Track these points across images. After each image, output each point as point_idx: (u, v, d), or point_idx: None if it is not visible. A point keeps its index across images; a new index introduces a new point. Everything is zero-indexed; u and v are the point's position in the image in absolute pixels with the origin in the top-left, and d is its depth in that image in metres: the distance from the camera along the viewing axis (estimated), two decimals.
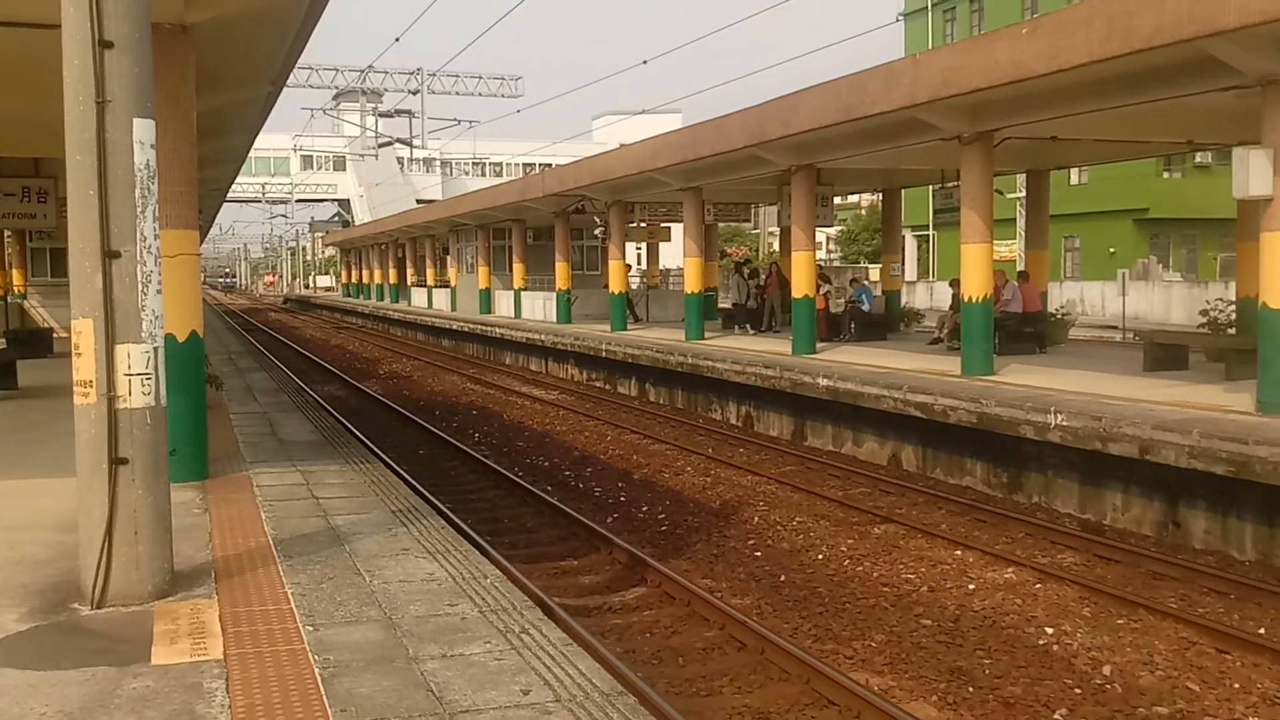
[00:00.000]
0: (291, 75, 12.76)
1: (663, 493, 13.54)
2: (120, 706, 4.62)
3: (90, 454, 5.90)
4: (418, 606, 6.05)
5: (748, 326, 25.13)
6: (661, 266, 41.35)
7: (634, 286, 32.73)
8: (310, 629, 5.62)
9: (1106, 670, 7.57)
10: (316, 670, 5.03)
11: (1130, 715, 6.86)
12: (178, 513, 6.70)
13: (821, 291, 21.75)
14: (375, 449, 13.49)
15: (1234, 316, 17.11)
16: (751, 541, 11.18)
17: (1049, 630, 8.37)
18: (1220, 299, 19.70)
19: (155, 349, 5.98)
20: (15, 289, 29.67)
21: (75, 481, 6.03)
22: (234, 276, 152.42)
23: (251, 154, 22.76)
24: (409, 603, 6.12)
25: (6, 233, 26.40)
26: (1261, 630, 8.33)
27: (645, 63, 35.25)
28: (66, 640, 5.46)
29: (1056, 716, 6.88)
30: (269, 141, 68.26)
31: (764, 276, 26.38)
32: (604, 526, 11.51)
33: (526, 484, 13.52)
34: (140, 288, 5.88)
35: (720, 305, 29.68)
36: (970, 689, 7.31)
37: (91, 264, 5.79)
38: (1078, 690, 7.27)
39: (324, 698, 4.71)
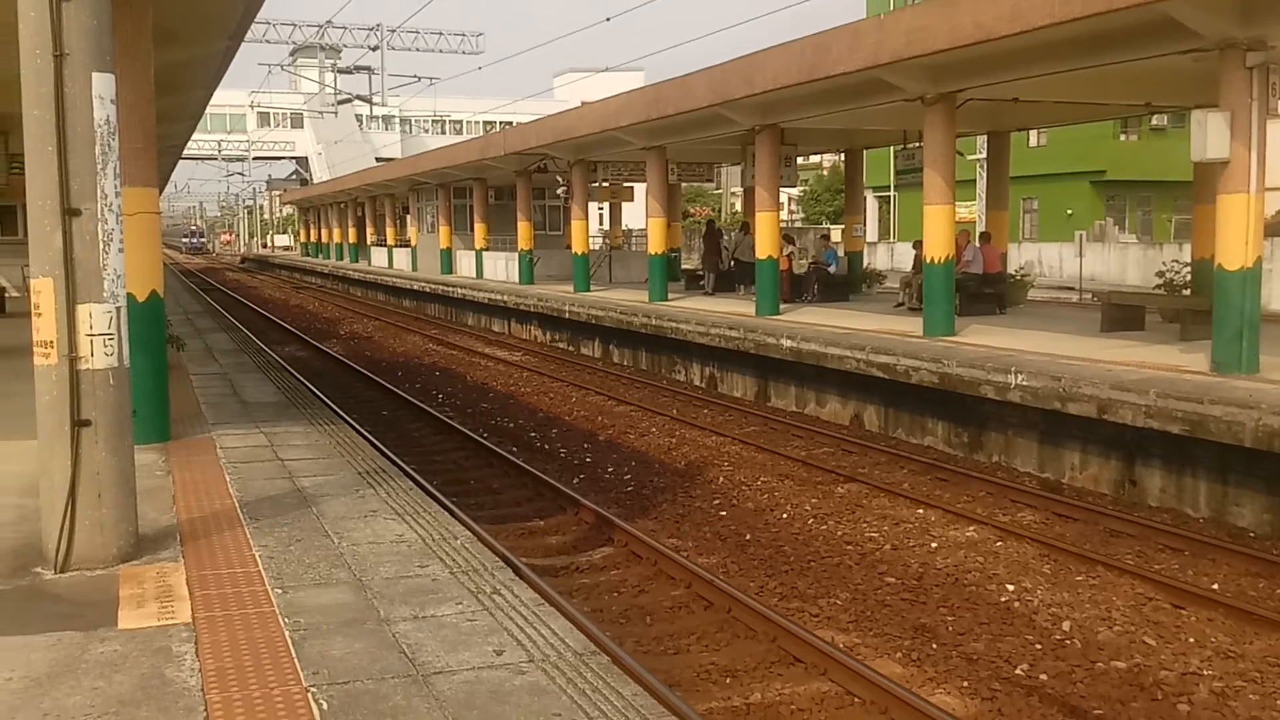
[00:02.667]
0: (249, 30, 12.52)
1: (628, 453, 13.57)
2: (88, 671, 4.59)
3: (52, 416, 5.82)
4: (388, 568, 6.05)
5: (711, 286, 25.14)
6: (625, 227, 41.19)
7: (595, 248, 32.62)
8: (279, 591, 5.61)
9: (1066, 626, 7.72)
10: (287, 633, 5.02)
11: (1089, 669, 7.00)
12: (141, 475, 6.64)
13: (785, 253, 21.79)
14: (339, 410, 13.40)
15: (1189, 278, 17.33)
16: (717, 501, 11.25)
17: (1010, 587, 8.51)
18: (1175, 260, 19.94)
19: (118, 309, 5.89)
20: None
21: (34, 444, 5.95)
22: (201, 236, 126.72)
23: (208, 111, 22.37)
24: (379, 564, 6.11)
25: None
26: (1215, 585, 8.52)
27: (608, 20, 34.93)
28: (30, 605, 5.40)
29: (1018, 671, 7.01)
30: (225, 98, 66.98)
31: (730, 236, 26.35)
32: (570, 487, 11.53)
33: (492, 445, 13.50)
34: (102, 246, 5.78)
35: (684, 267, 29.63)
36: (934, 645, 7.43)
37: (51, 222, 5.68)
38: (1038, 646, 7.41)
39: (295, 660, 4.70)
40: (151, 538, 6.47)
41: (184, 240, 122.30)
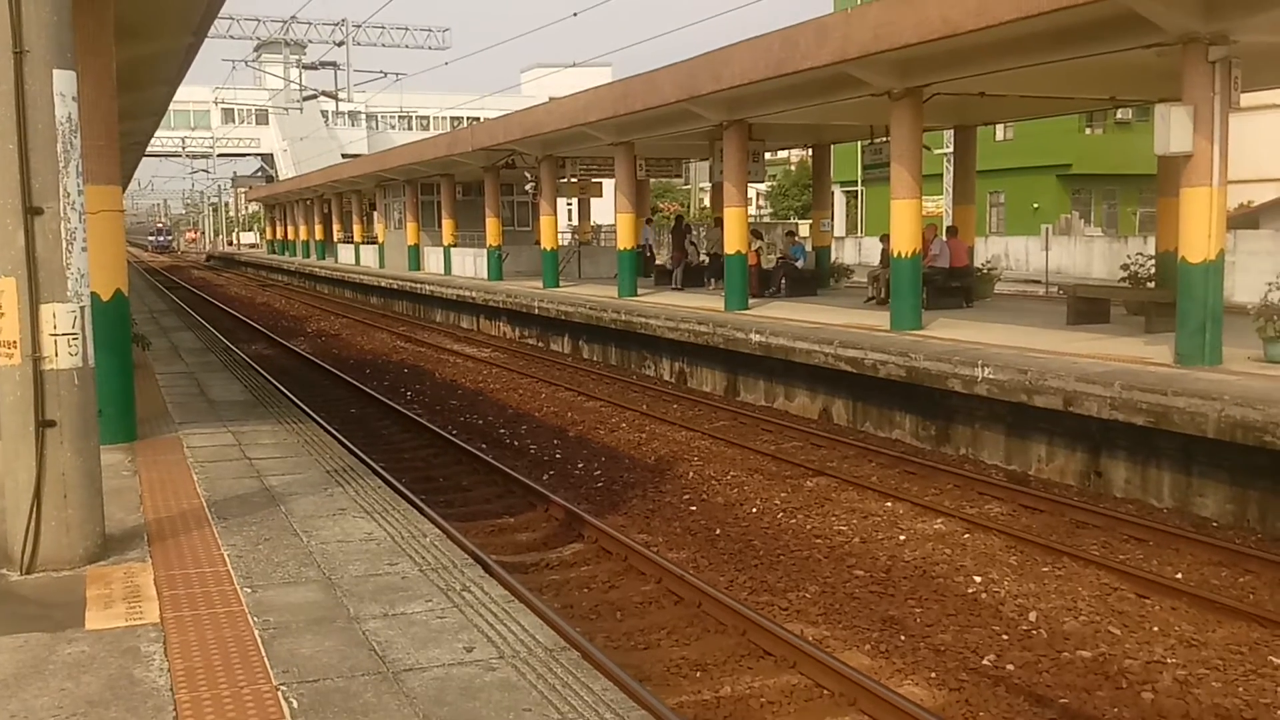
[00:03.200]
0: (212, 25, 12.42)
1: (598, 449, 13.58)
2: (55, 672, 4.55)
3: (16, 417, 5.77)
4: (357, 566, 6.03)
5: (680, 281, 25.19)
6: (594, 223, 41.15)
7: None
8: (248, 590, 5.58)
9: (1032, 616, 7.80)
10: (256, 632, 5.00)
11: (1055, 659, 7.08)
12: (107, 475, 6.58)
13: (753, 248, 21.85)
14: (306, 409, 13.33)
15: (1154, 271, 17.52)
16: (687, 496, 11.28)
17: (977, 579, 8.59)
18: (1140, 254, 20.12)
19: (81, 308, 5.84)
20: None
21: None
22: (168, 234, 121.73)
23: (171, 107, 22.18)
24: (348, 562, 6.09)
25: None
26: (1179, 575, 8.63)
27: (575, 15, 34.77)
28: None
29: (985, 662, 7.08)
30: (189, 94, 66.44)
31: (700, 232, 26.38)
32: (540, 484, 11.52)
33: (461, 442, 13.47)
34: (65, 245, 5.73)
35: (657, 262, 29.64)
36: (902, 637, 7.49)
37: (13, 221, 5.62)
38: (1005, 636, 7.48)
39: (265, 659, 4.69)
40: (119, 538, 6.43)
41: (150, 238, 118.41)
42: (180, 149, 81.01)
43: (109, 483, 6.81)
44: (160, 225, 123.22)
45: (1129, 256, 20.16)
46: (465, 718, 4.18)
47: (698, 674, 6.90)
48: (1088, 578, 8.51)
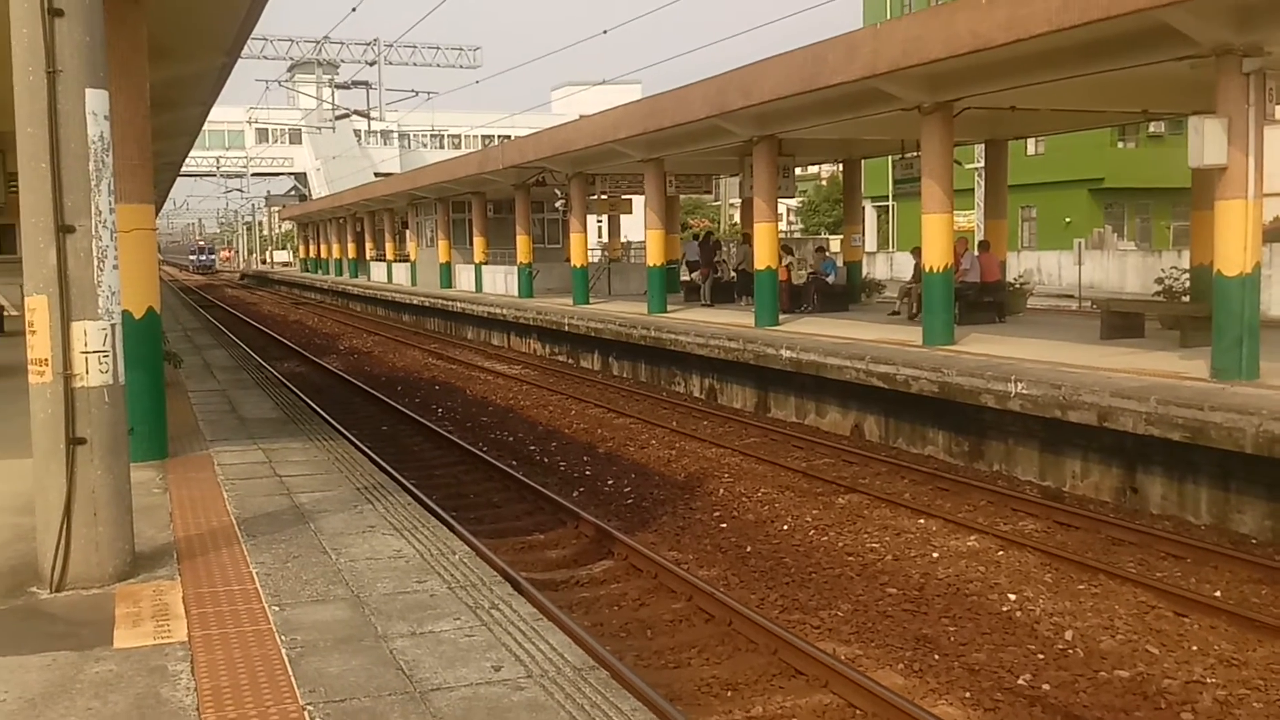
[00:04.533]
0: (246, 46, 12.53)
1: (628, 466, 13.54)
2: (83, 691, 4.55)
3: (47, 434, 5.79)
4: (385, 584, 6.01)
5: (709, 297, 25.15)
6: (624, 239, 41.20)
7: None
8: (276, 609, 5.57)
9: (1068, 635, 7.67)
10: (284, 650, 4.98)
11: (1092, 679, 6.96)
12: (137, 493, 6.60)
13: (784, 263, 21.78)
14: (338, 426, 13.38)
15: (1188, 284, 17.31)
16: (717, 513, 11.21)
17: (1012, 597, 8.47)
18: (1174, 267, 19.91)
19: (113, 326, 5.87)
20: None
21: (30, 463, 5.92)
22: (211, 253, 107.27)
23: (205, 127, 22.41)
24: (376, 580, 6.07)
25: None
26: (1218, 593, 8.48)
27: (605, 32, 34.99)
28: (25, 624, 5.37)
29: (1020, 681, 6.96)
30: (223, 114, 67.16)
31: (730, 248, 26.35)
32: (570, 500, 11.49)
33: (491, 459, 13.47)
34: (96, 263, 5.76)
35: (683, 279, 29.63)
36: (936, 656, 7.39)
37: (45, 239, 5.66)
38: (1041, 655, 7.36)
39: (292, 678, 4.67)
40: (148, 556, 6.44)
41: (190, 258, 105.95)
42: (215, 168, 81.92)
43: (139, 500, 6.84)
44: (201, 244, 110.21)
45: (1163, 270, 19.96)
46: None
47: (729, 693, 6.83)
48: (1125, 596, 8.37)
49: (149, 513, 7.41)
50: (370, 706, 4.38)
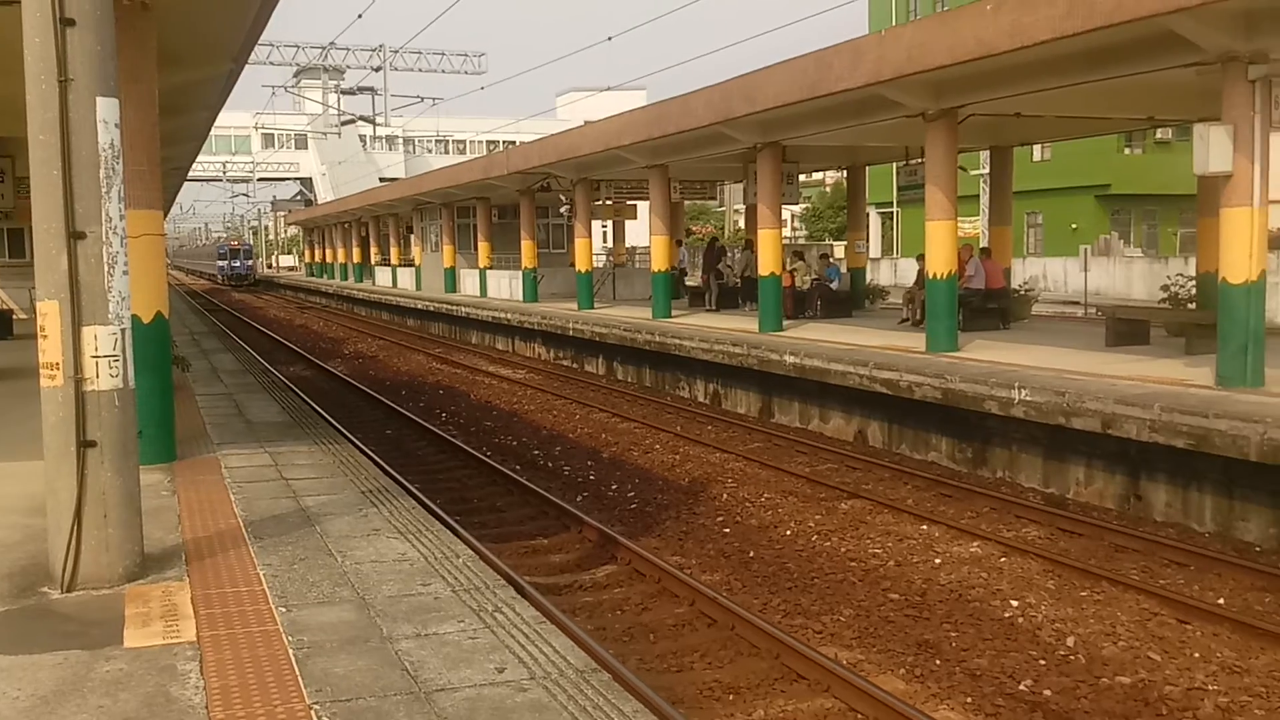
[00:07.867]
0: (252, 52, 12.61)
1: (632, 471, 13.58)
2: (94, 689, 4.60)
3: (58, 437, 5.86)
4: (390, 586, 6.06)
5: (714, 303, 25.20)
6: (628, 245, 41.26)
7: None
8: (283, 610, 5.62)
9: (1070, 641, 7.70)
10: (290, 651, 5.04)
11: (1094, 685, 6.98)
12: (146, 495, 6.66)
13: (791, 268, 21.83)
14: (343, 430, 13.43)
15: (1194, 292, 17.33)
16: (720, 518, 11.25)
17: (1014, 603, 8.49)
18: (1180, 274, 19.93)
19: (123, 330, 5.93)
20: None
21: (41, 465, 5.98)
22: (249, 257, 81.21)
23: (212, 132, 22.49)
24: (381, 583, 6.12)
25: None
26: (1221, 600, 8.50)
27: (610, 39, 35.10)
28: (37, 624, 5.43)
29: (1022, 687, 6.99)
30: (230, 119, 67.38)
31: (734, 254, 26.42)
32: (574, 505, 11.54)
33: (495, 463, 13.51)
34: (106, 269, 5.83)
35: (689, 284, 29.69)
36: (937, 661, 7.42)
37: (56, 245, 5.73)
38: (1042, 661, 7.39)
39: (299, 678, 4.72)
40: (157, 557, 6.50)
41: (219, 264, 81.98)
42: (221, 173, 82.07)
43: (148, 502, 6.90)
44: (234, 244, 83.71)
45: (1169, 277, 19.98)
46: None
47: (730, 697, 6.87)
48: (1127, 602, 8.40)
49: (158, 515, 7.47)
50: (376, 706, 4.43)
